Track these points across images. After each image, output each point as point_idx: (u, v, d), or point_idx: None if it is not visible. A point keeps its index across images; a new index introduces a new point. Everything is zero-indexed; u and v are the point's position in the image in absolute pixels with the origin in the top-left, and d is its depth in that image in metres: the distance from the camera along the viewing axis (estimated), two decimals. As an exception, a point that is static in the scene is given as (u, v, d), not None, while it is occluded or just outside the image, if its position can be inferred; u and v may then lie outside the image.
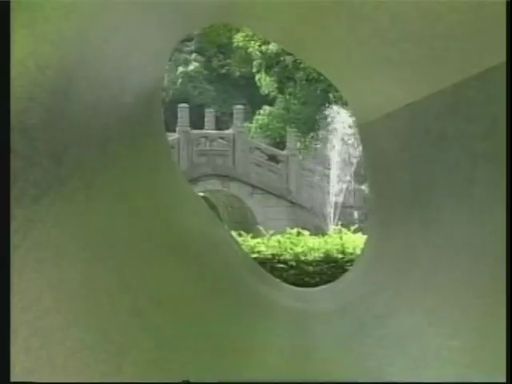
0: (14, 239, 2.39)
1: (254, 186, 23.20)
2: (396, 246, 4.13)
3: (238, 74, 34.89)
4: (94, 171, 3.23)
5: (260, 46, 26.40)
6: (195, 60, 36.92)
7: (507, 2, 2.57)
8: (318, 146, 24.18)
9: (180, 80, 35.90)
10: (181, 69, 36.23)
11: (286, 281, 9.60)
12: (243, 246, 10.66)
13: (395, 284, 3.88)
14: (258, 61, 26.65)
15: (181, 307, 3.63)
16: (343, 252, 11.29)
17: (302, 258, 11.18)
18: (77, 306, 2.81)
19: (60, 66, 2.74)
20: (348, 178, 22.07)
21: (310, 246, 11.62)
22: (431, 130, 3.67)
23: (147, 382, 2.91)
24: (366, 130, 4.96)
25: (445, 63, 3.34)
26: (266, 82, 27.71)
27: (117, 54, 3.39)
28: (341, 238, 12.01)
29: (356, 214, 20.72)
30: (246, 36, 26.56)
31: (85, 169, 3.11)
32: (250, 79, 29.97)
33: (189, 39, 35.74)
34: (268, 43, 25.40)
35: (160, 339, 3.23)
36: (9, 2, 2.24)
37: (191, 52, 37.70)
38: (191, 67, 36.94)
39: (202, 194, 21.89)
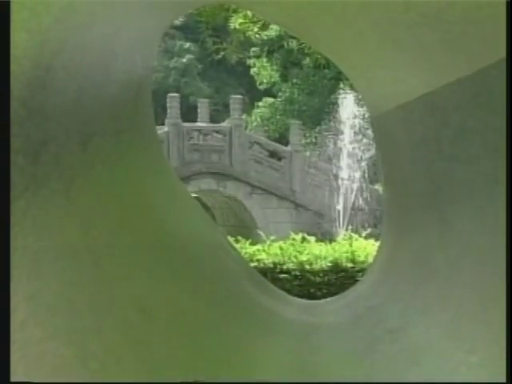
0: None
1: (253, 186, 23.25)
2: (412, 252, 4.19)
3: (234, 60, 34.94)
4: (75, 171, 3.29)
5: (260, 28, 26.43)
6: (188, 51, 36.99)
7: (507, 2, 2.69)
8: (326, 140, 24.24)
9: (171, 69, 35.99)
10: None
11: (289, 292, 9.65)
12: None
13: (410, 295, 3.94)
14: (258, 46, 26.59)
15: (173, 320, 3.69)
16: (353, 260, 11.35)
17: (308, 267, 11.24)
18: (56, 319, 2.87)
19: (37, 56, 2.80)
20: (359, 176, 22.12)
21: (316, 253, 11.67)
22: (450, 122, 3.73)
23: (147, 382, 2.98)
24: (378, 123, 5.02)
25: (463, 49, 3.40)
26: (266, 70, 27.68)
27: (100, 40, 3.45)
28: (351, 245, 12.06)
29: (368, 218, 20.77)
30: (245, 17, 26.59)
31: (65, 168, 3.17)
32: (248, 66, 29.94)
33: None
34: (269, 25, 25.43)
35: (149, 356, 3.28)
36: (9, 2, 2.38)
37: (182, 34, 37.80)
38: (182, 54, 37.05)
39: (194, 194, 21.94)
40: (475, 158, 3.45)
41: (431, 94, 3.86)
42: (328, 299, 6.70)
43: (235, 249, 7.03)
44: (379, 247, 5.52)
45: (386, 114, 4.61)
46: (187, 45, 38.33)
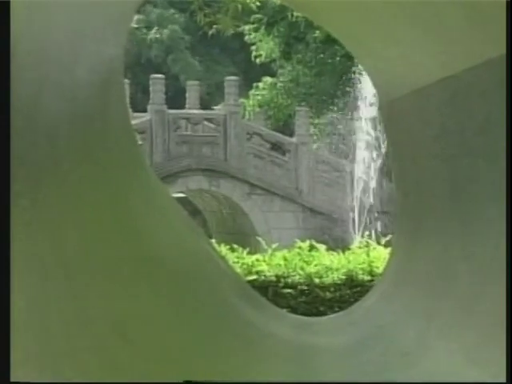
0: None
1: (252, 185, 23.29)
2: (429, 261, 4.26)
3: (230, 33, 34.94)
4: (41, 170, 3.39)
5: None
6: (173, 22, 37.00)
7: (507, 2, 2.85)
8: (338, 130, 24.27)
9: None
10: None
11: (294, 311, 9.73)
12: (238, 265, 10.77)
13: (427, 312, 4.02)
14: (257, 16, 26.48)
15: (153, 343, 3.78)
16: (371, 273, 11.37)
17: (317, 280, 11.28)
18: (24, 342, 2.97)
19: None
20: (377, 172, 22.13)
21: (326, 264, 11.70)
22: (473, 112, 3.82)
23: (147, 382, 3.10)
24: (389, 110, 5.07)
25: (490, 28, 3.49)
26: (267, 43, 27.51)
27: (68, 16, 3.56)
28: (368, 255, 12.09)
29: (388, 222, 20.79)
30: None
31: (29, 167, 3.27)
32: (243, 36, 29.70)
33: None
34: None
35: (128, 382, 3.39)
36: (9, 2, 2.61)
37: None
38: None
39: (182, 194, 21.96)
40: (502, 154, 3.54)
41: (452, 78, 3.94)
42: (331, 316, 6.75)
43: (225, 260, 7.07)
44: (391, 254, 5.55)
45: (399, 99, 4.67)
46: (175, 15, 38.41)
